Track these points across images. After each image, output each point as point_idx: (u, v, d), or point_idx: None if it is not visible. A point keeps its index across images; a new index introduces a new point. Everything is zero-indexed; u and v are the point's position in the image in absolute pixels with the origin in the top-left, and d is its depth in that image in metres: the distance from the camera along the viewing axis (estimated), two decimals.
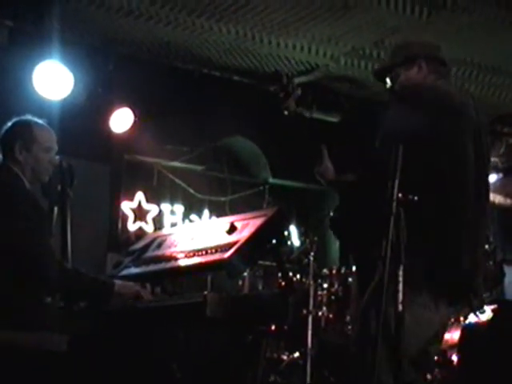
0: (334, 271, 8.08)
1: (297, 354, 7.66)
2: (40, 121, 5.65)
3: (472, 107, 5.20)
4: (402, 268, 4.63)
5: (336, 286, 7.84)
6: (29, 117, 5.64)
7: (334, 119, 10.25)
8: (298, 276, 7.92)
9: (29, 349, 5.00)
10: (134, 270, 5.97)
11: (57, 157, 5.73)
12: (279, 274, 7.63)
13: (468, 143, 5.07)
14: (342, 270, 8.03)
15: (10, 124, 5.57)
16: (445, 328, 5.39)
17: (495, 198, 8.43)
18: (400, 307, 4.55)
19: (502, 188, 8.77)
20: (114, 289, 5.40)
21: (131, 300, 5.50)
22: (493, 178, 8.91)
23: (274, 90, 9.33)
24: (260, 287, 7.84)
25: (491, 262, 7.76)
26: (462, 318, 7.51)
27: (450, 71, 5.75)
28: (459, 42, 8.91)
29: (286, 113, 8.63)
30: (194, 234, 6.09)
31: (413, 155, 4.67)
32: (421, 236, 4.80)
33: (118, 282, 5.57)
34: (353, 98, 10.29)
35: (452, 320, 7.45)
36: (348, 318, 7.68)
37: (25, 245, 5.16)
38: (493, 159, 8.96)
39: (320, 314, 7.65)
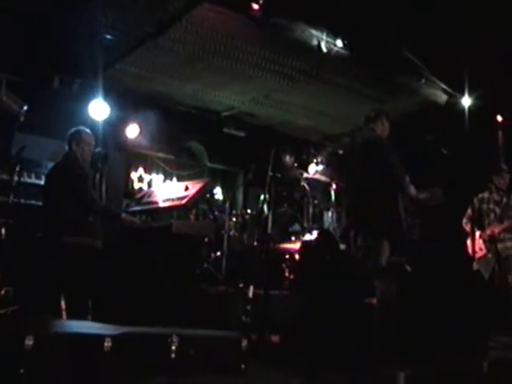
0: (238, 211, 8.47)
1: (218, 253, 7.90)
2: (87, 129, 6.01)
3: (352, 142, 5.80)
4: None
5: (240, 219, 8.24)
6: (81, 127, 6.01)
7: (242, 134, 10.53)
8: (221, 214, 8.33)
9: (83, 246, 5.47)
10: (136, 208, 6.64)
11: (98, 148, 6.31)
12: (210, 212, 8.21)
13: (350, 164, 5.62)
14: (243, 211, 8.46)
15: (72, 130, 5.93)
16: None
17: (321, 177, 8.74)
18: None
19: (323, 172, 9.03)
20: (121, 216, 5.97)
21: (129, 223, 6.02)
22: (319, 168, 9.49)
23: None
24: (200, 219, 7.97)
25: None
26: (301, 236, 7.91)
27: (368, 121, 5.77)
28: (320, 99, 9.20)
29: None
30: (167, 190, 6.68)
31: None
32: None
33: (123, 214, 6.09)
34: (252, 125, 10.45)
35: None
36: (244, 236, 8.09)
37: (83, 193, 5.65)
38: (321, 158, 9.56)
39: (231, 233, 8.03)
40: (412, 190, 5.47)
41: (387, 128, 5.73)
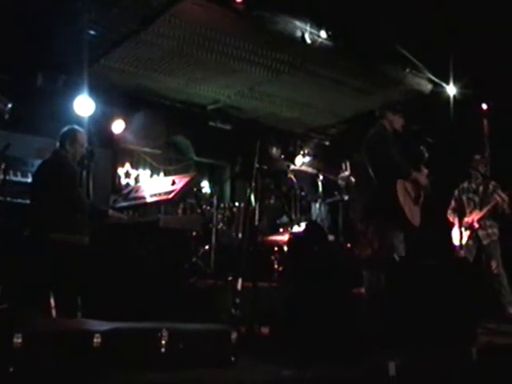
0: (226, 205, 8.28)
1: (207, 247, 7.66)
2: (81, 128, 6.06)
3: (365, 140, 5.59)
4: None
5: (227, 212, 8.09)
6: (75, 126, 6.03)
7: (228, 128, 10.56)
8: (208, 207, 8.08)
9: (70, 243, 5.48)
10: (123, 204, 6.65)
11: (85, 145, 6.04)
12: (197, 206, 7.97)
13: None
14: (231, 205, 8.31)
15: (65, 129, 5.94)
16: None
17: (307, 169, 8.64)
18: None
19: (310, 164, 9.09)
20: (108, 213, 6.03)
21: (117, 219, 6.08)
22: (306, 159, 9.59)
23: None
24: (188, 213, 7.83)
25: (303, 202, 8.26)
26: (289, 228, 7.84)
27: (377, 117, 5.75)
28: (304, 91, 9.27)
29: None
30: (154, 185, 6.70)
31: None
32: None
33: (110, 211, 6.12)
34: (238, 118, 10.49)
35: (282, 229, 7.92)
36: (233, 228, 7.94)
37: (71, 192, 5.67)
38: (307, 150, 9.68)
39: (219, 227, 7.81)
40: (413, 174, 5.48)
41: (396, 120, 5.69)
